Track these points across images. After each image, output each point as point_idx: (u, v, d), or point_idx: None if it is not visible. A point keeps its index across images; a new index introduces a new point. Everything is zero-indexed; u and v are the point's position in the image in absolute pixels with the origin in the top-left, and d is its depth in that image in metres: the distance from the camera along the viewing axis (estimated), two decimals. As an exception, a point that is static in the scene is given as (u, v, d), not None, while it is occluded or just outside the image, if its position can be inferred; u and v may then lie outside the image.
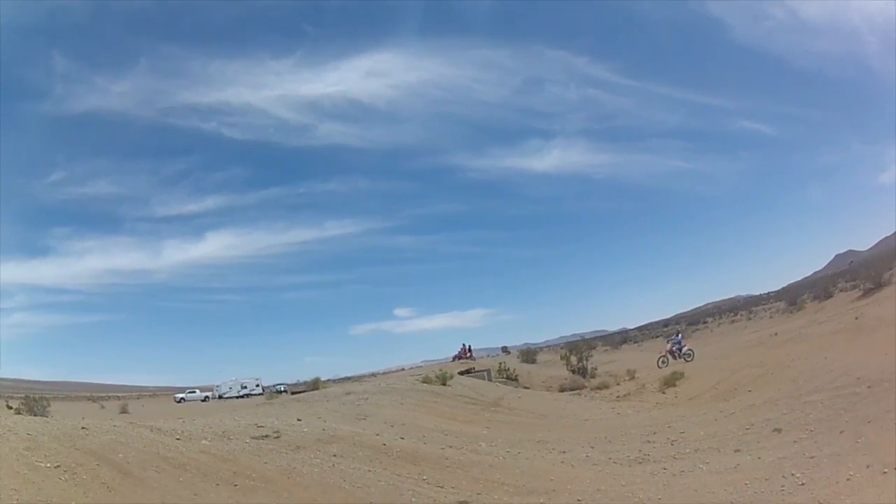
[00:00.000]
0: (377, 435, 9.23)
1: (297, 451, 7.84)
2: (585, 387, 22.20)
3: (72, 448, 6.37)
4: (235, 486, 6.32)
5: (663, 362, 24.03)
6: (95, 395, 75.01)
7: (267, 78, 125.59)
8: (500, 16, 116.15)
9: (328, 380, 50.90)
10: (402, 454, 8.17)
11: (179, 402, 51.22)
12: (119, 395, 74.52)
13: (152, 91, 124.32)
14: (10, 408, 35.90)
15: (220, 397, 51.80)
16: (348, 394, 14.24)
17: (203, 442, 7.60)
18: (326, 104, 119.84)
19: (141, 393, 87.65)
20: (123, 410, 38.72)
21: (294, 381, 48.26)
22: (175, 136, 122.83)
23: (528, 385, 24.81)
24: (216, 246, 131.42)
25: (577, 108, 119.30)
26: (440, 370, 18.87)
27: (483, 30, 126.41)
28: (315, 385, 20.62)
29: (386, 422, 10.88)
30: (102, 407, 46.76)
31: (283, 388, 51.05)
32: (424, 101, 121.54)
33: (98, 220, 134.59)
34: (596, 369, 26.41)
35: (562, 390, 22.04)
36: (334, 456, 7.76)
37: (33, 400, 32.66)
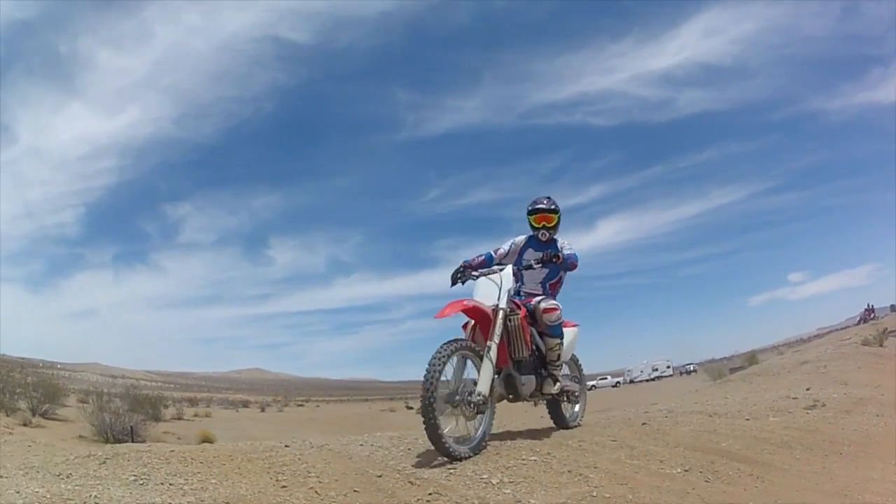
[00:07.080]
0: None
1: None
2: None
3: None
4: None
5: None
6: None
7: (613, 62, 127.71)
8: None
9: (731, 356, 45.92)
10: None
11: (590, 389, 55.61)
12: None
13: (506, 98, 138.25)
14: (410, 408, 42.88)
15: (632, 381, 51.71)
16: (804, 363, 14.48)
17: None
18: (679, 74, 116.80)
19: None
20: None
21: (700, 360, 46.92)
22: (542, 135, 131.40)
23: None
24: (608, 232, 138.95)
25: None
26: (877, 330, 17.69)
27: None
28: (752, 359, 21.16)
29: (867, 385, 9.49)
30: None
31: (692, 368, 50.27)
32: (763, 48, 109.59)
33: (482, 226, 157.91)
34: None
35: None
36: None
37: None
